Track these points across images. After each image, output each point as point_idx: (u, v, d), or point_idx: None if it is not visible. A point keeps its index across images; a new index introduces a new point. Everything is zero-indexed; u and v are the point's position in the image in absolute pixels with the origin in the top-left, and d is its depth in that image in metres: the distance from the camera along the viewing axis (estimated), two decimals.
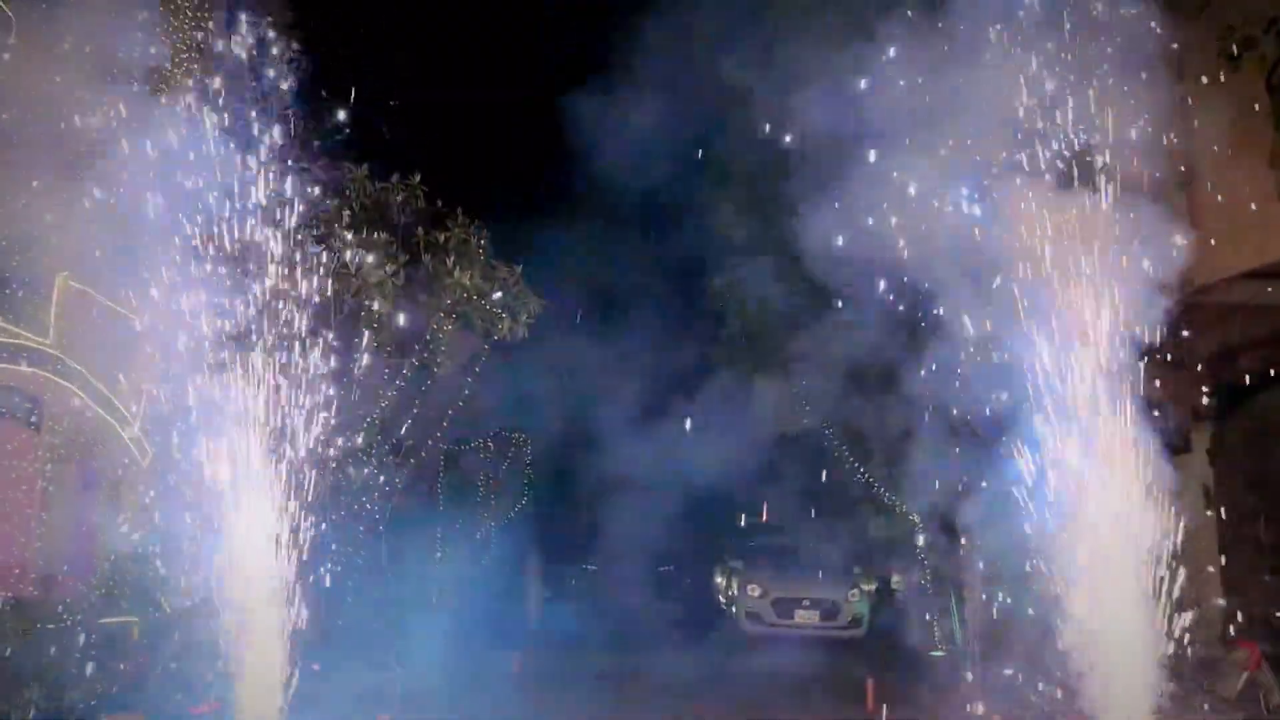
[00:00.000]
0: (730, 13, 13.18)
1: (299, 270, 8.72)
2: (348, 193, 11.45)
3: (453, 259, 11.89)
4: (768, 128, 11.47)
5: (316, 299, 8.93)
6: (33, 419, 9.98)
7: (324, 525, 10.96)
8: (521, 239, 14.21)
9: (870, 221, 9.31)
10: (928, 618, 15.48)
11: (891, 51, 8.81)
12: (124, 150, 8.51)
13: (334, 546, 11.84)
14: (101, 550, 10.27)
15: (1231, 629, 10.62)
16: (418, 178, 12.41)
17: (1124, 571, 7.79)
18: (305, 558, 8.14)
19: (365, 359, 11.11)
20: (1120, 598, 7.72)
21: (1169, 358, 9.36)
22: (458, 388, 13.52)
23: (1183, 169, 10.39)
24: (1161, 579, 7.92)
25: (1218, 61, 9.89)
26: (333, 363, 9.16)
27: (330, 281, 9.95)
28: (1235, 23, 9.75)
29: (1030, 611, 8.73)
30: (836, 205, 9.77)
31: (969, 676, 11.61)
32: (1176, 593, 9.46)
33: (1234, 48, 9.64)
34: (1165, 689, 7.63)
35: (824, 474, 16.64)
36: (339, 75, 11.14)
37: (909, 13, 8.88)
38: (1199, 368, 10.98)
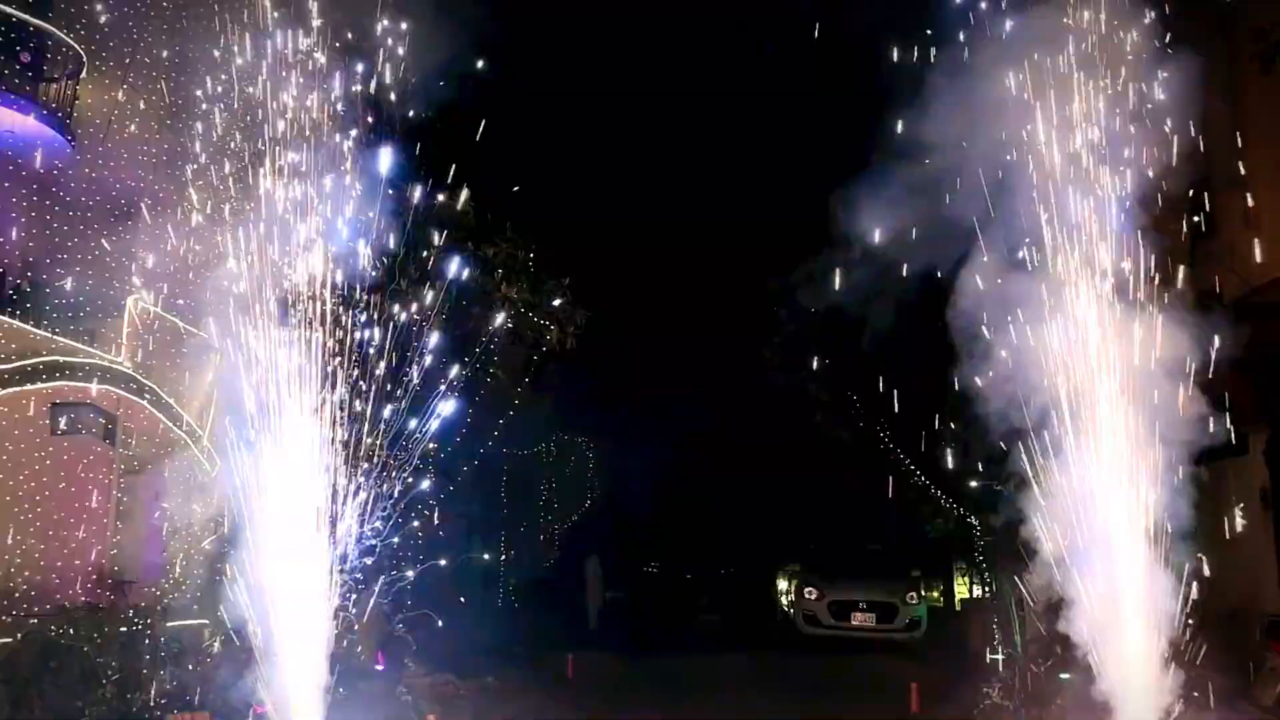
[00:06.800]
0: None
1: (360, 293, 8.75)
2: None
3: (500, 273, 12.08)
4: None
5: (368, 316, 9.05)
6: (107, 434, 10.55)
7: (382, 529, 11.34)
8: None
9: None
10: (988, 620, 15.33)
11: None
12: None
13: (394, 549, 12.16)
14: (172, 557, 10.83)
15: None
16: (466, 193, 12.53)
17: (1166, 576, 7.64)
18: (360, 562, 8.41)
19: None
20: (1160, 601, 7.58)
21: (1224, 358, 9.14)
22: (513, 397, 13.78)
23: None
24: (1206, 584, 7.78)
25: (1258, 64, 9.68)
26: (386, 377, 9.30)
27: (387, 301, 10.10)
28: (1267, 25, 9.54)
29: (1076, 615, 8.58)
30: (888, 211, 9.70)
31: (1025, 679, 11.45)
32: (1224, 597, 9.22)
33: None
34: (1203, 695, 7.53)
35: (885, 479, 16.57)
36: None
37: None
38: (1254, 368, 10.68)
